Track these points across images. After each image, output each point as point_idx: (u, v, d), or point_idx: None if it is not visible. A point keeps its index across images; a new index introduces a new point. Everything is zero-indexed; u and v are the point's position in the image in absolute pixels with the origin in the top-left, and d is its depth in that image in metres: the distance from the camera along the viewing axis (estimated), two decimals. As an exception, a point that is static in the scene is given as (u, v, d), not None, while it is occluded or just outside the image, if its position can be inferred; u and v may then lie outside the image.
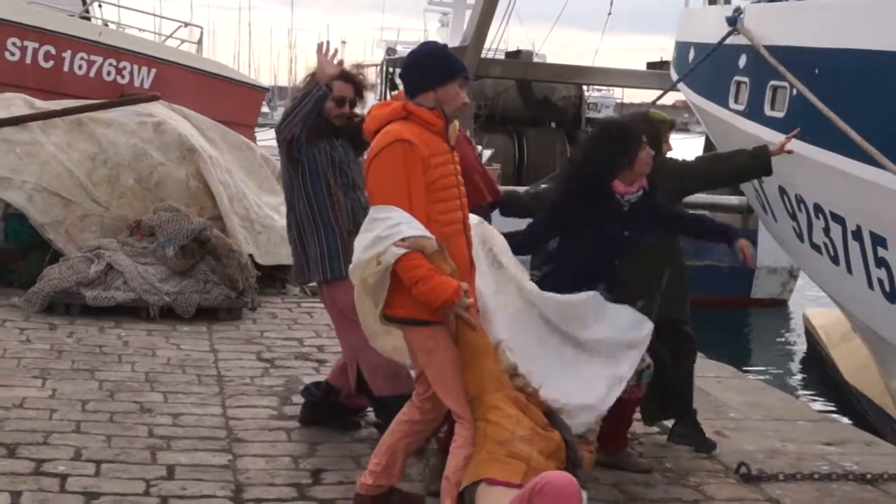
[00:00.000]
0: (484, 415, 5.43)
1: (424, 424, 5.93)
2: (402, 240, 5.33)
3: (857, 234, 10.27)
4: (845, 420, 12.39)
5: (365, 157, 5.82)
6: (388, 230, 5.37)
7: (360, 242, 5.54)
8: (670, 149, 7.64)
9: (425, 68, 5.72)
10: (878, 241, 9.87)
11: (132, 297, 10.55)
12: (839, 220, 10.54)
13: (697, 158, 7.41)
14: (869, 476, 7.16)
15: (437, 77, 5.67)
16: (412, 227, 5.36)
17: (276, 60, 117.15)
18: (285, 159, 7.10)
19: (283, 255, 12.08)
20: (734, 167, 7.77)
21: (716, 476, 7.06)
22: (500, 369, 5.58)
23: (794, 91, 11.12)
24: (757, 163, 7.63)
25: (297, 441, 7.29)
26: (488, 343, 5.59)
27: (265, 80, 50.54)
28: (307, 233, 7.05)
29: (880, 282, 10.42)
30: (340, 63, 6.97)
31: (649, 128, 7.27)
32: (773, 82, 11.72)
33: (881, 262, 10.18)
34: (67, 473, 6.39)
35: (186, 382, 8.55)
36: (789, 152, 7.91)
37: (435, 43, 6.08)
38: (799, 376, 18.47)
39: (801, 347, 19.62)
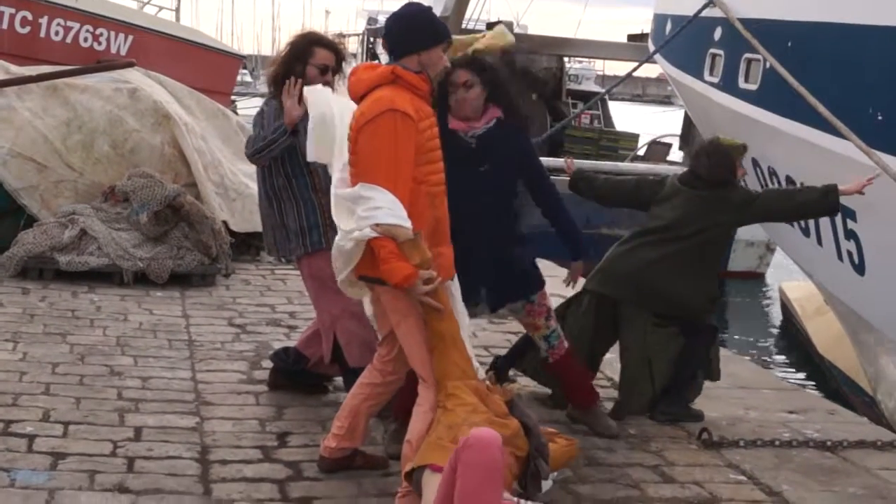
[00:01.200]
0: (442, 401, 5.50)
1: (386, 387, 6.01)
2: (377, 225, 5.40)
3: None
4: (813, 391, 12.52)
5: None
6: (367, 211, 5.45)
7: (342, 214, 5.62)
8: (745, 173, 7.55)
9: (411, 31, 5.71)
10: (848, 213, 9.95)
11: (106, 262, 10.58)
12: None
13: (766, 192, 7.35)
14: (829, 443, 7.24)
15: (422, 41, 5.66)
16: (391, 214, 5.41)
17: (259, 29, 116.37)
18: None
19: (257, 222, 11.96)
20: (800, 205, 7.60)
21: (677, 441, 7.14)
22: (466, 358, 5.62)
23: (768, 64, 11.19)
24: (825, 201, 7.47)
25: (265, 405, 7.34)
26: (456, 331, 5.63)
27: (248, 49, 50.39)
28: (286, 206, 7.01)
29: (849, 254, 10.52)
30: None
31: (725, 157, 7.40)
32: (747, 55, 11.79)
33: (850, 235, 10.28)
34: (35, 434, 6.44)
35: (157, 347, 8.58)
36: (861, 193, 7.92)
37: (419, 5, 5.95)
38: (774, 349, 18.59)
39: (777, 320, 19.75)
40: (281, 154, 6.88)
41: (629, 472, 6.51)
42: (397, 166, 5.47)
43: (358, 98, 5.71)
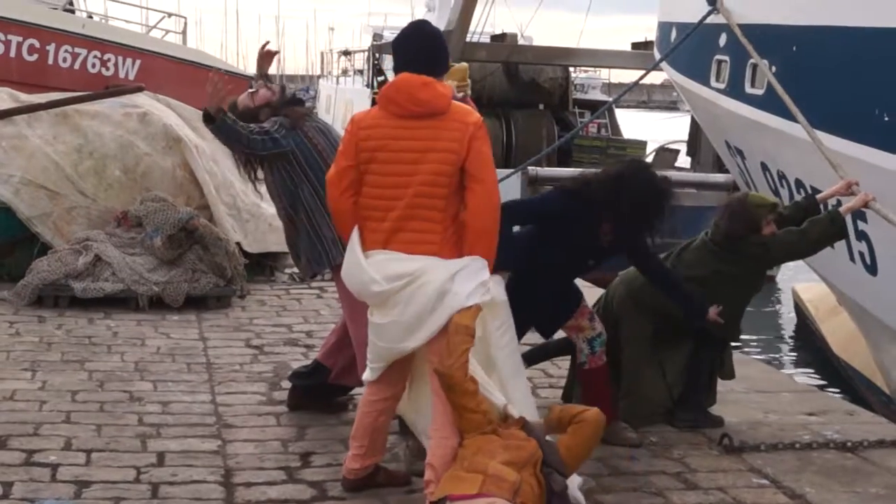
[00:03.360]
0: (462, 441, 5.59)
1: (396, 397, 6.09)
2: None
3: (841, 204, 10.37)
4: (831, 391, 12.52)
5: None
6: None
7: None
8: (774, 231, 7.58)
9: (446, 51, 6.04)
10: (859, 214, 9.95)
11: (121, 287, 10.62)
12: (820, 194, 10.65)
13: (779, 238, 7.37)
14: (849, 444, 7.27)
15: (446, 64, 6.05)
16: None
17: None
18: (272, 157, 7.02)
19: (270, 242, 12.16)
20: (815, 241, 7.57)
21: (698, 448, 7.17)
22: (479, 409, 5.62)
23: (774, 69, 11.22)
24: (835, 228, 7.50)
25: (286, 425, 7.38)
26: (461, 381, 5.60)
27: (253, 69, 50.30)
28: (317, 217, 6.92)
29: (861, 255, 10.53)
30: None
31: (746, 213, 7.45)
32: (752, 60, 11.82)
33: (862, 236, 10.28)
34: (58, 463, 6.47)
35: (176, 371, 8.63)
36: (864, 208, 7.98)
37: (420, 23, 6.29)
38: (789, 350, 18.58)
39: (790, 322, 19.73)
40: (302, 167, 6.91)
41: (653, 480, 6.55)
42: None
43: (440, 111, 5.79)
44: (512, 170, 17.06)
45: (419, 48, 5.93)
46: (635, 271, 7.48)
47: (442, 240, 5.76)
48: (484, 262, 5.71)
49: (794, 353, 18.23)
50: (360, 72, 37.63)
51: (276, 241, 12.30)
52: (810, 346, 17.46)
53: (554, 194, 7.16)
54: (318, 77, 61.11)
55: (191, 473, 6.43)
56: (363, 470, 6.11)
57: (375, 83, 28.25)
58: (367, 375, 6.07)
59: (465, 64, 7.29)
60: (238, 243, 11.56)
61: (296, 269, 12.33)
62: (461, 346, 5.53)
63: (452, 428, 5.62)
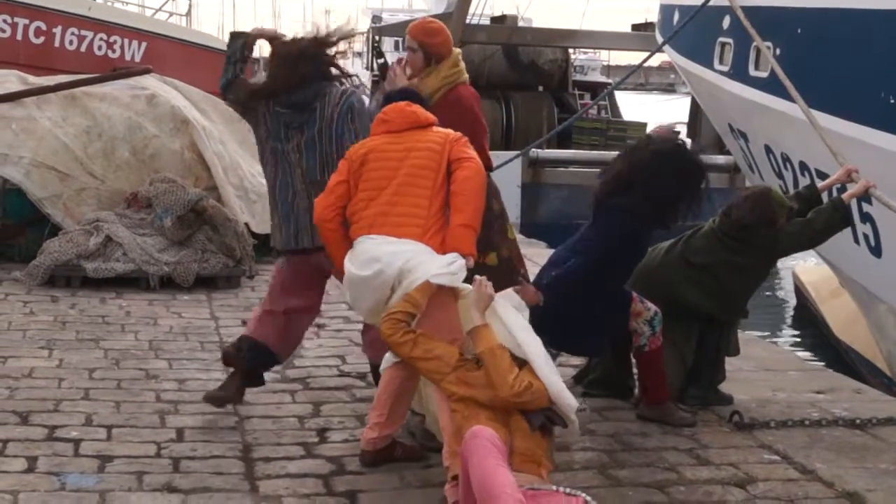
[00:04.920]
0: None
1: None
2: None
3: (842, 191, 10.46)
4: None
5: None
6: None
7: None
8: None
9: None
10: (863, 196, 10.05)
11: (132, 267, 10.72)
12: (824, 177, 10.73)
13: (787, 230, 7.44)
14: (858, 421, 7.37)
15: None
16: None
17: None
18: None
19: (278, 223, 12.24)
20: (821, 231, 7.61)
21: (709, 425, 7.26)
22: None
23: (778, 51, 11.30)
24: (838, 216, 7.55)
25: (301, 402, 7.47)
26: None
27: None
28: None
29: (865, 237, 10.63)
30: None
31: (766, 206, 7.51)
32: (755, 43, 11.89)
33: (866, 218, 10.38)
34: (80, 438, 6.56)
35: (190, 349, 8.73)
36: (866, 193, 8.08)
37: None
38: (789, 333, 18.68)
39: (791, 304, 19.84)
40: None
41: (665, 456, 6.64)
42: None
43: (425, 122, 6.43)
44: (513, 152, 17.15)
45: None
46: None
47: (426, 224, 6.05)
48: (461, 260, 5.94)
49: (795, 336, 18.33)
50: (359, 54, 37.65)
51: (283, 222, 12.40)
52: (810, 328, 17.57)
53: (618, 225, 7.00)
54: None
55: (210, 449, 6.51)
56: (381, 440, 6.19)
57: (375, 65, 28.29)
58: (387, 355, 6.19)
59: (456, 50, 7.36)
60: (246, 224, 11.65)
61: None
62: (397, 307, 5.80)
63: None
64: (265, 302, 7.30)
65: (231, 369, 7.31)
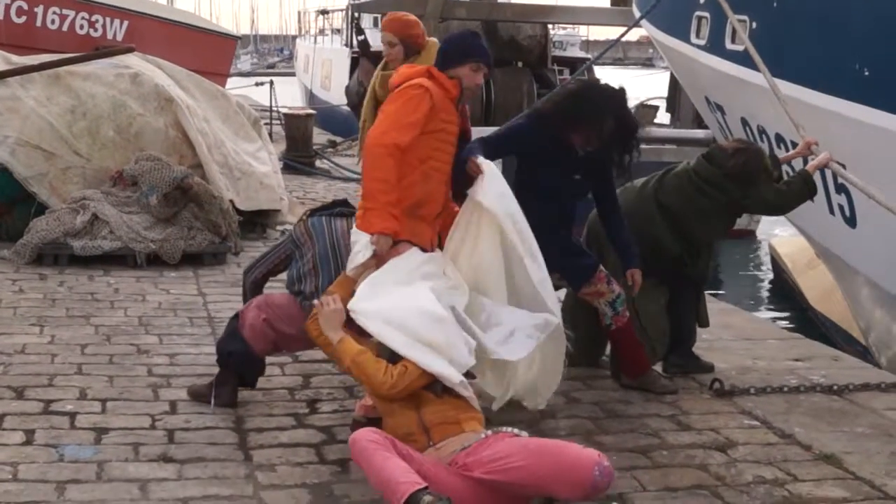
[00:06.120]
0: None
1: None
2: None
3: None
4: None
5: None
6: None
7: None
8: None
9: (444, 52, 6.48)
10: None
11: (118, 245, 10.83)
12: (800, 148, 10.87)
13: (763, 188, 7.54)
14: (835, 387, 7.57)
15: (450, 60, 6.37)
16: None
17: (237, 8, 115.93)
18: None
19: (262, 200, 12.41)
20: (791, 201, 7.77)
21: (690, 392, 7.45)
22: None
23: (754, 24, 11.42)
24: (807, 188, 7.67)
25: (291, 375, 7.59)
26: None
27: (228, 27, 49.86)
28: None
29: (840, 207, 10.76)
30: None
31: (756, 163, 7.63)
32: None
33: (841, 189, 10.51)
34: (76, 412, 6.69)
35: (179, 325, 8.86)
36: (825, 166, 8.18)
37: (463, 30, 6.97)
38: (766, 304, 18.83)
39: (768, 276, 20.00)
40: None
41: (648, 422, 6.82)
42: (398, 121, 6.12)
43: (394, 87, 6.38)
44: (493, 128, 17.23)
45: None
46: None
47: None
48: (363, 239, 6.09)
49: (772, 307, 18.47)
50: (338, 31, 37.55)
51: (267, 198, 12.55)
52: (787, 299, 17.73)
53: (520, 120, 7.57)
54: (294, 37, 60.90)
55: (203, 420, 6.65)
56: (373, 409, 6.34)
57: (355, 42, 28.28)
58: None
59: (432, 40, 7.63)
60: (231, 201, 11.76)
61: (287, 226, 12.61)
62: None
63: None
64: (265, 307, 6.94)
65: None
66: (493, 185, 6.36)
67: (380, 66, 8.04)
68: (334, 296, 5.92)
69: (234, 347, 6.81)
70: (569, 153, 7.04)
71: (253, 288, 7.38)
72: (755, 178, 7.60)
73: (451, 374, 5.58)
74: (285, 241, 7.25)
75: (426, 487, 4.83)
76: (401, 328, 5.71)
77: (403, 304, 5.82)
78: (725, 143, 8.02)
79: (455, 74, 6.31)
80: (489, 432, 5.32)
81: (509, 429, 5.35)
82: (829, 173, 10.44)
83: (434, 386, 5.56)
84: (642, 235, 7.52)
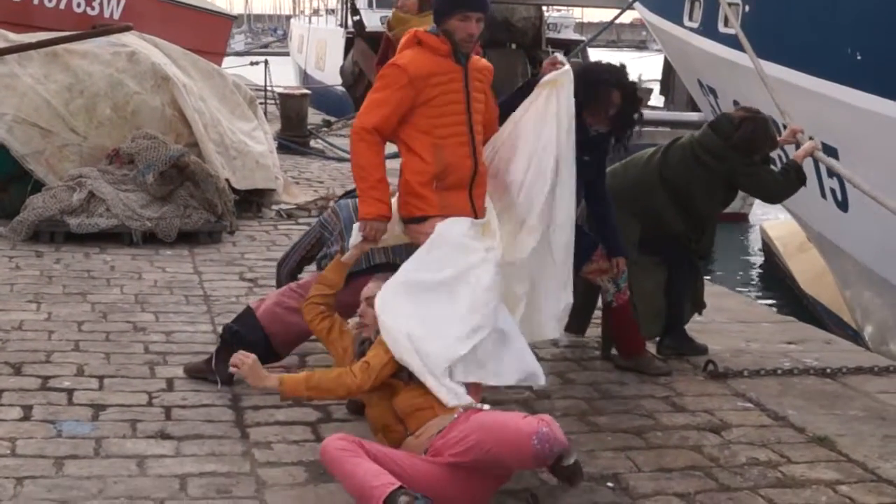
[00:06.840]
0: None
1: None
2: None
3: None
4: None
5: None
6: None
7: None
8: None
9: (435, 9, 6.36)
10: (830, 152, 10.23)
11: (115, 223, 10.86)
12: (793, 132, 10.90)
13: (764, 170, 7.57)
14: (829, 370, 7.62)
15: (441, 11, 6.24)
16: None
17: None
18: None
19: (257, 179, 12.44)
20: (782, 192, 7.83)
21: (684, 374, 7.51)
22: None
23: (747, 7, 11.46)
24: (797, 179, 7.64)
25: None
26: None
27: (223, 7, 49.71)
28: None
29: (832, 192, 10.82)
30: None
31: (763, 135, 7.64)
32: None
33: (833, 173, 10.57)
34: (73, 388, 6.73)
35: (175, 303, 8.89)
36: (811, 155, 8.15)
37: None
38: (758, 288, 18.89)
39: (759, 260, 20.06)
40: None
41: (642, 404, 6.87)
42: (378, 107, 6.09)
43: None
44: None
45: None
46: (614, 175, 7.66)
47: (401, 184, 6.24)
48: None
49: (763, 291, 18.54)
50: (332, 12, 37.51)
51: (262, 177, 12.57)
52: (778, 283, 17.79)
53: None
54: (288, 17, 60.77)
55: (200, 398, 6.69)
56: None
57: (349, 22, 28.27)
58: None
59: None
60: (227, 180, 11.79)
61: (282, 206, 12.64)
62: (314, 290, 6.30)
63: None
64: (287, 290, 6.98)
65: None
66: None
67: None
68: (243, 353, 5.74)
69: (242, 325, 6.89)
70: (581, 134, 6.96)
71: (289, 278, 7.39)
72: (761, 148, 7.62)
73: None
74: (314, 227, 7.28)
75: (401, 487, 4.82)
76: (418, 351, 5.59)
77: (430, 323, 5.69)
78: (733, 112, 8.00)
79: (447, 28, 6.18)
80: (461, 410, 5.31)
81: (478, 405, 5.37)
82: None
83: (400, 374, 5.57)
84: (646, 211, 7.60)
